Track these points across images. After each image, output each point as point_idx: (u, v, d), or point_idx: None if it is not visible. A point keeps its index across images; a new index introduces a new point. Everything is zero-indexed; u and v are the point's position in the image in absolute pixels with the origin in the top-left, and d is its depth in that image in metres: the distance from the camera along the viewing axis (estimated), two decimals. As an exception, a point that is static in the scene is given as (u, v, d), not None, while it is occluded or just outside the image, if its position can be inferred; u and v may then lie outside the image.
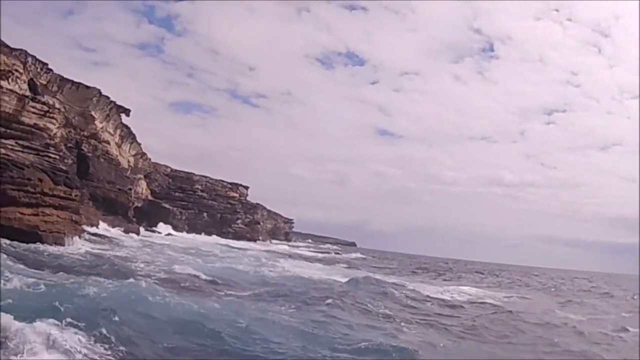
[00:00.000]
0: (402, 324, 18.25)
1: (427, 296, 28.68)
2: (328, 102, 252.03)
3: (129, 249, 36.85)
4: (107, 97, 53.56)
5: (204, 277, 25.50)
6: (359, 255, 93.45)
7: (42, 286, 14.25)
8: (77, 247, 32.98)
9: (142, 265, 27.63)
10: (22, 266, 19.19)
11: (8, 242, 26.92)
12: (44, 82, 41.04)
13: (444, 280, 47.01)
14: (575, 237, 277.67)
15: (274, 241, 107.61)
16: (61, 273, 18.66)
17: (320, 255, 79.12)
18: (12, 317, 10.38)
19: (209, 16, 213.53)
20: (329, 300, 20.58)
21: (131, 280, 17.97)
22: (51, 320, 10.72)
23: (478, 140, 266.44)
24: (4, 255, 20.17)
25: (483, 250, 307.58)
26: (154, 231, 63.20)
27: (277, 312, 17.10)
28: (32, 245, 28.53)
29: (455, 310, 24.47)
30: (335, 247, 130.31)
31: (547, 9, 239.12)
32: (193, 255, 39.16)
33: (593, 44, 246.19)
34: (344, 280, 31.36)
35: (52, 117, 38.79)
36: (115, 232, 47.03)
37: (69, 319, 11.06)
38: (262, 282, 27.21)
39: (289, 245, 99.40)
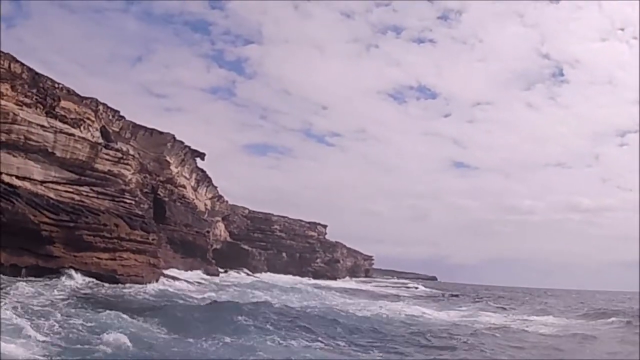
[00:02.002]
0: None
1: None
2: (402, 137, 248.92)
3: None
4: (182, 142, 54.02)
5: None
6: (424, 288, 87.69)
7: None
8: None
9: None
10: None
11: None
12: (117, 130, 41.61)
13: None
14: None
15: (353, 279, 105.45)
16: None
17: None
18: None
19: (279, 58, 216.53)
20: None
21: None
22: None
23: (553, 166, 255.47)
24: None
25: (564, 278, 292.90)
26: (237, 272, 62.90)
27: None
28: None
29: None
30: (406, 281, 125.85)
31: (612, 28, 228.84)
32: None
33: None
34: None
35: (126, 163, 39.16)
36: (193, 275, 46.67)
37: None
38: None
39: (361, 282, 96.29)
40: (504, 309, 42.30)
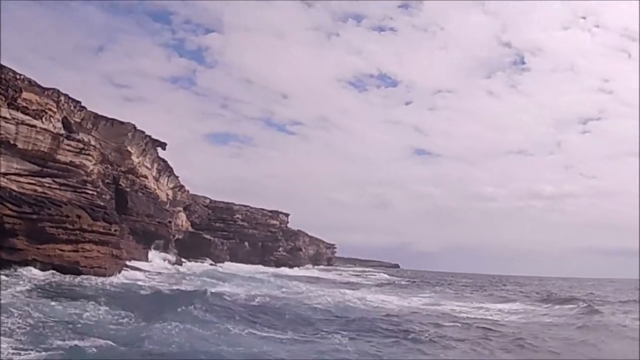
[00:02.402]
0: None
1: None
2: (364, 125, 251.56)
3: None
4: (142, 132, 53.87)
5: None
6: (386, 276, 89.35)
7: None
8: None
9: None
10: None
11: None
12: (78, 120, 41.36)
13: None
14: (617, 246, 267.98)
15: (315, 267, 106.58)
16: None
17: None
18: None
19: (240, 46, 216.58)
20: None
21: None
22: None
23: (515, 154, 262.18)
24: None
25: (526, 265, 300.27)
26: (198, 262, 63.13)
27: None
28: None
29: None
30: (371, 269, 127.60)
31: (574, 17, 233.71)
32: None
33: (622, 49, 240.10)
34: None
35: (88, 154, 39.05)
36: (155, 265, 46.94)
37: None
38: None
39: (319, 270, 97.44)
40: (465, 296, 43.75)
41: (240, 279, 44.24)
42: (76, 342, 13.46)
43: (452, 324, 23.64)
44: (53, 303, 19.18)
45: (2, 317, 15.28)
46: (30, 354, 12.06)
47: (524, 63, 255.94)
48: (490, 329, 22.15)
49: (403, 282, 67.74)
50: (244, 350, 14.56)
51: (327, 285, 47.70)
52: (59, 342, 13.33)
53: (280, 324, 19.89)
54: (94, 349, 12.89)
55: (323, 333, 18.57)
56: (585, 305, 33.44)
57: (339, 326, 20.48)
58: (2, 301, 18.09)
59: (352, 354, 15.41)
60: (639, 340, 18.64)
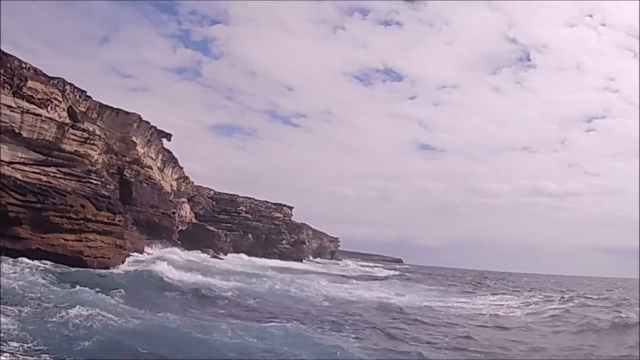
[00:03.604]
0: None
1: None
2: (368, 119, 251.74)
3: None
4: (148, 123, 53.83)
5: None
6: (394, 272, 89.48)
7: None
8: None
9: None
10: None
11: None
12: (84, 110, 41.40)
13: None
14: (620, 244, 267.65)
15: (318, 260, 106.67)
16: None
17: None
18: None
19: (245, 38, 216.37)
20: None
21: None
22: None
23: (519, 150, 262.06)
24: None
25: (530, 262, 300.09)
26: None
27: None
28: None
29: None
30: (378, 264, 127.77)
31: (580, 15, 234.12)
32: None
33: (628, 48, 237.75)
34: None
35: (93, 144, 39.02)
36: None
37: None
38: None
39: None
40: (473, 293, 43.52)
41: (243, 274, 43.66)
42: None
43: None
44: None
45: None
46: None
47: (529, 60, 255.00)
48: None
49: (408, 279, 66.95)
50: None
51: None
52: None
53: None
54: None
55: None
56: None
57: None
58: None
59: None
60: (638, 339, 18.45)
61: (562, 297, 39.01)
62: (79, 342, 12.45)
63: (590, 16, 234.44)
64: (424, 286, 49.53)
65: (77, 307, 15.56)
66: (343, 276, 56.41)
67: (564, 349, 18.48)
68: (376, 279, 59.83)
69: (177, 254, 51.59)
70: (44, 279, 22.03)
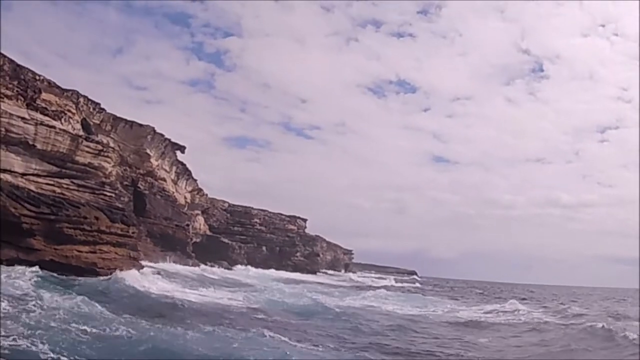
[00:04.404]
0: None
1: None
2: (382, 131, 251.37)
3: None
4: (162, 135, 53.95)
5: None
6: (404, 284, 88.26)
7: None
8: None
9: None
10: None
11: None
12: (97, 122, 41.50)
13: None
14: (633, 255, 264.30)
15: (330, 272, 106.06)
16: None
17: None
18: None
19: (258, 50, 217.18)
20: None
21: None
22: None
23: (533, 162, 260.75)
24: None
25: (544, 273, 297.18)
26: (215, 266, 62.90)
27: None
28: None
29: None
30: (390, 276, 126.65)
31: (593, 25, 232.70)
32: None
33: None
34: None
35: (107, 156, 39.05)
36: (174, 267, 46.73)
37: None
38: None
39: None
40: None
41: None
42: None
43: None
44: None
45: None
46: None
47: (542, 70, 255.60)
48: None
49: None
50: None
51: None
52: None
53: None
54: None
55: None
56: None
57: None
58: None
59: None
60: (639, 346, 18.16)
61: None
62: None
63: (603, 26, 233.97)
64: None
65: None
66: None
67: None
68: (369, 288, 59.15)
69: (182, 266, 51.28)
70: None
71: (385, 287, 59.73)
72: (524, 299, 53.85)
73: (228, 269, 62.10)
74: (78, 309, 17.90)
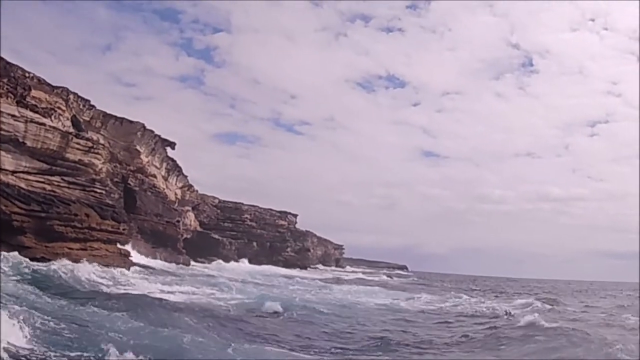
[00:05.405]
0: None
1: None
2: (372, 126, 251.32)
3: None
4: (152, 131, 53.94)
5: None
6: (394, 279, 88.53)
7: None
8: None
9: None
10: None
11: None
12: (87, 119, 41.51)
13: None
14: (623, 249, 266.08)
15: (321, 267, 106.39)
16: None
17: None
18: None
19: (248, 46, 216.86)
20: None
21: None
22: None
23: (523, 156, 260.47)
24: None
25: (535, 268, 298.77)
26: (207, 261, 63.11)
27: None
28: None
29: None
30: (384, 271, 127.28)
31: (582, 19, 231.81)
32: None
33: (631, 52, 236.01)
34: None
35: (97, 153, 39.05)
36: (163, 265, 46.79)
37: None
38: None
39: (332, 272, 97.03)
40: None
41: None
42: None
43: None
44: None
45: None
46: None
47: (532, 65, 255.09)
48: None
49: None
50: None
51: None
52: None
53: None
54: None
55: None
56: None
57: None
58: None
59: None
60: (638, 339, 18.35)
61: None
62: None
63: (593, 20, 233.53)
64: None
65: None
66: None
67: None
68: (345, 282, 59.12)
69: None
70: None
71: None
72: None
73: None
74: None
